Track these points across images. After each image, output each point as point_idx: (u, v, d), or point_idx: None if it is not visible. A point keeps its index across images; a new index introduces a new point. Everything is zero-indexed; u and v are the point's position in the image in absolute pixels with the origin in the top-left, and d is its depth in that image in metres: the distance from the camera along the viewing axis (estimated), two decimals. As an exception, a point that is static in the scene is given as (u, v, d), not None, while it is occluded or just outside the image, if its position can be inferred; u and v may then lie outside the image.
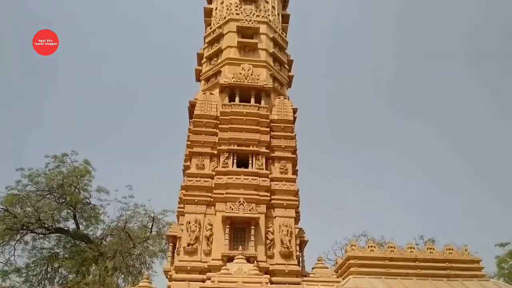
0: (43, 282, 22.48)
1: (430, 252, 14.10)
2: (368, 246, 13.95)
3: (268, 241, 13.09)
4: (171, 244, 14.09)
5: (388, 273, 13.26)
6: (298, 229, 13.88)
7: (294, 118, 15.96)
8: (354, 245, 13.97)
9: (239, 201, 13.31)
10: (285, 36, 18.72)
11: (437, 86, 59.55)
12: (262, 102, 15.68)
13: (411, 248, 14.18)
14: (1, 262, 22.16)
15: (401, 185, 54.15)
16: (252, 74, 15.95)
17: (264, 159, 14.50)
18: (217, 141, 14.70)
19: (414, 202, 52.87)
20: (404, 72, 63.64)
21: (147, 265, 22.71)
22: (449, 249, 14.02)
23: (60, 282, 22.86)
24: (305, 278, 13.12)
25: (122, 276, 22.25)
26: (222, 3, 18.68)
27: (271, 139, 15.02)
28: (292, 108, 16.01)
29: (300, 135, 16.09)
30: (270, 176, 14.25)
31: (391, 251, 13.87)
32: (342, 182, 52.07)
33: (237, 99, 15.58)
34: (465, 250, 14.12)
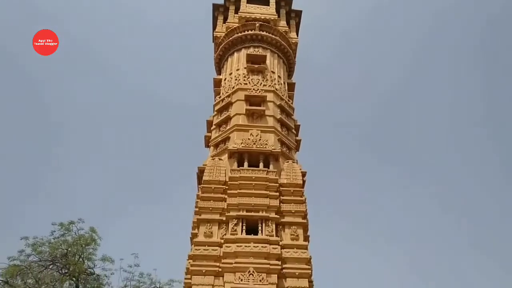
0: None
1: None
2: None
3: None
4: None
5: None
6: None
7: (303, 181, 15.83)
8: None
9: (249, 271, 12.76)
10: (292, 103, 19.23)
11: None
12: (271, 166, 15.68)
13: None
14: None
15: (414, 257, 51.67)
16: (260, 140, 16.13)
17: (274, 225, 14.14)
18: (225, 207, 14.47)
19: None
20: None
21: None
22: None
23: None
24: None
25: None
26: (230, 74, 19.49)
27: (281, 204, 14.77)
28: (301, 172, 15.95)
29: (311, 199, 15.85)
30: (280, 243, 13.79)
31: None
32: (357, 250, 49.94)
33: (245, 164, 15.61)
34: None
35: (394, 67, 55.44)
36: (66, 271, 22.15)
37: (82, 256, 22.59)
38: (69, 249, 22.53)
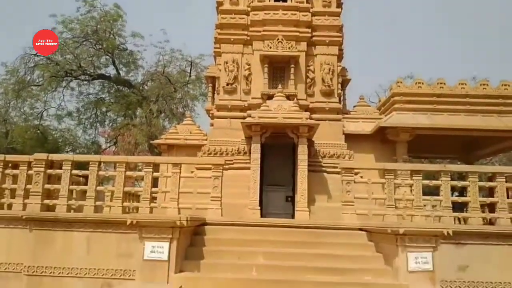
0: (95, 125, 24.28)
1: (483, 88, 13.19)
2: (416, 83, 13.23)
3: (308, 80, 12.64)
4: (210, 84, 14.05)
5: (435, 109, 12.79)
6: (340, 67, 13.20)
7: None
8: (401, 82, 13.30)
9: (278, 39, 12.43)
10: None
11: None
12: None
13: (462, 84, 13.28)
14: (54, 107, 23.76)
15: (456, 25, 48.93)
16: None
17: (304, -8, 12.94)
18: (252, -30, 13.04)
19: (469, 43, 48.63)
20: None
21: (190, 108, 23.57)
22: (505, 85, 13.02)
23: (110, 125, 24.62)
24: (346, 115, 13.04)
25: (167, 118, 23.41)
26: None
27: (313, -34, 13.13)
28: None
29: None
30: (311, 10, 12.92)
31: (440, 87, 13.10)
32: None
33: None
34: (522, 86, 13.09)
35: None
36: (100, 47, 22.84)
37: (112, 32, 22.78)
38: (98, 26, 22.56)
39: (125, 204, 8.43)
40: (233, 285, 6.18)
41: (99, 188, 8.51)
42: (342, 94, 13.46)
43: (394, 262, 6.39)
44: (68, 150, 24.94)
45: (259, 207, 10.17)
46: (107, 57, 23.25)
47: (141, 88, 23.32)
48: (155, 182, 8.66)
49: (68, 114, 23.63)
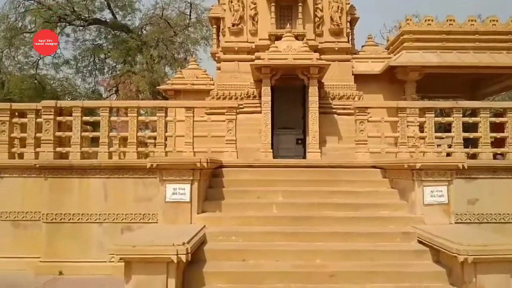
0: (94, 73, 23.74)
1: (493, 25, 12.85)
2: (425, 20, 12.81)
3: (316, 19, 12.21)
4: (214, 26, 13.58)
5: (444, 47, 12.54)
6: (349, 6, 12.69)
7: None
8: (410, 19, 12.87)
9: (283, -25, 11.84)
10: None
11: None
12: None
13: (472, 21, 12.89)
14: (50, 56, 23.05)
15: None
16: None
17: None
18: None
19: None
20: None
21: (191, 53, 22.93)
22: (516, 20, 12.65)
23: (110, 72, 24.07)
24: (355, 56, 12.75)
25: (169, 64, 22.86)
26: None
27: None
28: None
29: None
30: None
31: (449, 24, 12.73)
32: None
33: None
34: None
35: None
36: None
37: (104, -28, 21.58)
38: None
39: (140, 149, 8.45)
40: (255, 222, 6.36)
41: (111, 134, 8.47)
42: (350, 33, 13.08)
43: (410, 196, 6.55)
44: (68, 99, 24.59)
45: (271, 150, 10.25)
46: (102, 0, 22.22)
47: (139, 32, 22.53)
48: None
49: (66, 62, 23.01)
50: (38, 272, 7.36)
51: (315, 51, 11.51)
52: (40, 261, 7.55)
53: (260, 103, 10.90)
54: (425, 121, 8.42)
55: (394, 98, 12.35)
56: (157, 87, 15.92)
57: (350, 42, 12.78)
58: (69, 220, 7.71)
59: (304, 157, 10.55)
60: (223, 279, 5.21)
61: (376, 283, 5.19)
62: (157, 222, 7.37)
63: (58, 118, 8.36)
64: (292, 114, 11.29)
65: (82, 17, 21.85)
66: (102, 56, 23.15)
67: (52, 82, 24.15)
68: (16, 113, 8.64)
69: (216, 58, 13.00)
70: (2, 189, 8.13)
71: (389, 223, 6.37)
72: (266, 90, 10.52)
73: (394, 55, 12.89)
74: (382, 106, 9.97)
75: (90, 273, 7.26)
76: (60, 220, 7.72)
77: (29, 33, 21.79)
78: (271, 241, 5.95)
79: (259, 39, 11.94)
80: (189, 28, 22.54)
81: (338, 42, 12.16)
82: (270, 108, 10.50)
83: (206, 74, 13.93)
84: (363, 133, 8.35)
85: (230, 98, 11.65)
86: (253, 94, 11.64)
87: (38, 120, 8.36)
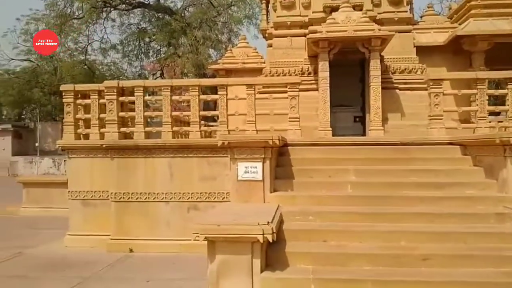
0: (139, 56, 24.02)
1: None
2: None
3: (374, -12, 11.50)
4: (264, 1, 13.14)
5: (517, 13, 11.48)
6: (408, -29, 11.84)
7: None
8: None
9: None
10: None
11: None
12: None
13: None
14: (97, 41, 23.55)
15: None
16: None
17: None
18: None
19: None
20: None
21: (235, 33, 22.62)
22: None
23: (155, 56, 24.27)
24: (415, 26, 11.96)
25: (213, 46, 22.67)
26: None
27: None
28: None
29: None
30: None
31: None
32: None
33: None
34: None
35: None
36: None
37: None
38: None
39: (203, 128, 8.33)
40: (331, 202, 6.08)
41: (174, 113, 8.39)
42: (410, 3, 12.24)
43: (501, 174, 6.01)
44: (116, 83, 25.05)
45: (330, 128, 9.86)
46: (145, -17, 22.25)
47: (182, 14, 22.41)
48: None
49: (113, 47, 23.43)
50: (110, 250, 7.49)
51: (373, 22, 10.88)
52: (111, 239, 7.68)
53: (316, 80, 10.48)
54: (508, 93, 7.72)
55: (458, 70, 11.54)
56: (209, 67, 15.73)
57: (410, 12, 11.98)
58: (136, 199, 7.76)
59: (364, 136, 10.08)
60: (307, 259, 4.99)
61: (474, 267, 4.78)
62: (223, 201, 7.31)
63: (121, 99, 8.37)
64: (349, 90, 10.83)
65: (127, 1, 21.99)
66: (147, 39, 23.34)
67: (100, 67, 24.71)
68: (79, 95, 8.73)
69: (267, 35, 12.59)
70: (71, 169, 8.32)
71: (478, 203, 5.89)
72: (324, 65, 10.05)
73: (459, 24, 11.97)
74: (459, 77, 9.27)
75: (158, 251, 7.32)
76: (128, 199, 7.79)
77: (77, 19, 22.24)
78: (350, 221, 5.65)
79: (313, 12, 11.40)
80: (232, 7, 22.14)
81: (397, 12, 11.38)
82: (328, 84, 10.05)
83: (257, 52, 13.59)
84: (438, 108, 7.77)
85: (284, 75, 11.27)
86: (307, 71, 11.20)
87: (101, 100, 8.41)
